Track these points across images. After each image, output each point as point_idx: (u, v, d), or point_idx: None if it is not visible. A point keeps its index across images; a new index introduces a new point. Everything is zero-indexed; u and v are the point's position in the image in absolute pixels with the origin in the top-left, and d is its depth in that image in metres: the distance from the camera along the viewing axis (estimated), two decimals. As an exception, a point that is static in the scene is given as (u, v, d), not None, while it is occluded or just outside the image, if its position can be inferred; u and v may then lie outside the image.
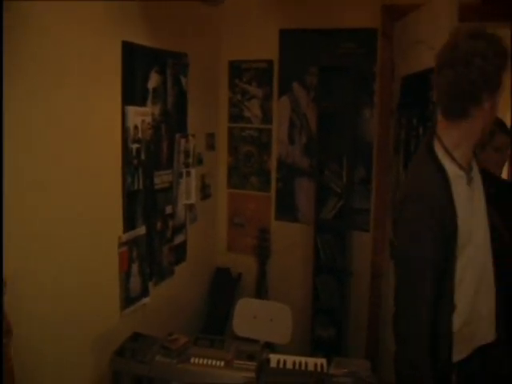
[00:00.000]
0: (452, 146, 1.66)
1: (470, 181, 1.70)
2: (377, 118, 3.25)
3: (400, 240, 1.71)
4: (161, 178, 2.81)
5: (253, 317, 2.91)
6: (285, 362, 2.28)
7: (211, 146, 3.51)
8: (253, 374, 2.10)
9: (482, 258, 1.77)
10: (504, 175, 2.64)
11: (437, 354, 1.70)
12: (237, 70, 3.57)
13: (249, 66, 3.54)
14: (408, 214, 1.67)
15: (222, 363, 2.14)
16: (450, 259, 1.65)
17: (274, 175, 3.53)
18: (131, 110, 2.46)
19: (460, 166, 1.67)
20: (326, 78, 3.24)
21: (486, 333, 1.80)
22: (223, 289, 3.50)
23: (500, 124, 2.23)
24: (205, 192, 3.44)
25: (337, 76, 3.24)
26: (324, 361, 2.25)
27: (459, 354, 1.75)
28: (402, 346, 1.68)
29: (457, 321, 1.70)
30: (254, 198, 3.59)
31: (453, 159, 1.66)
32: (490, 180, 1.99)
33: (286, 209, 3.50)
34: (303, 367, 2.25)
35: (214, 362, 2.15)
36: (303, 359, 2.29)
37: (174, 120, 2.93)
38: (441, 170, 1.66)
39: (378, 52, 3.22)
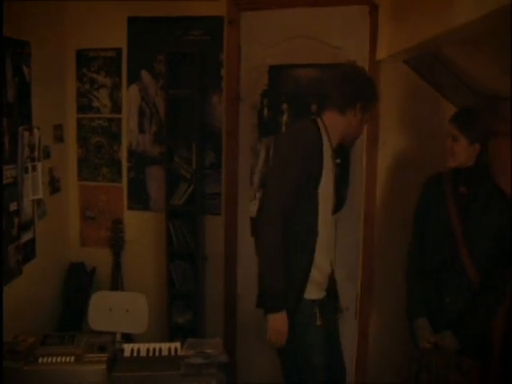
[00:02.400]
0: (331, 130, 2.32)
1: (333, 158, 2.33)
2: (225, 104, 3.31)
3: (273, 166, 2.33)
4: (3, 174, 2.64)
5: (108, 309, 2.84)
6: (139, 351, 2.26)
7: (59, 138, 3.38)
8: (104, 366, 2.06)
9: (330, 224, 2.38)
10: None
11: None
12: (84, 58, 3.46)
13: (97, 54, 3.44)
14: (284, 147, 2.33)
15: (72, 359, 2.07)
16: (312, 197, 2.25)
17: (125, 165, 3.47)
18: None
19: (330, 144, 2.32)
20: (174, 66, 3.25)
21: (324, 288, 2.38)
22: (78, 284, 3.39)
23: (454, 113, 2.48)
24: (54, 186, 3.30)
25: (185, 63, 3.26)
26: (178, 344, 2.26)
27: (314, 293, 2.31)
28: (261, 243, 2.30)
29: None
30: (105, 190, 3.51)
31: (327, 134, 2.31)
32: (466, 180, 2.39)
33: (139, 198, 3.47)
34: (157, 353, 2.24)
35: (63, 359, 2.07)
36: (157, 345, 2.28)
37: (16, 112, 2.77)
38: (318, 134, 2.29)
39: (224, 40, 3.27)
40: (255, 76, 3.31)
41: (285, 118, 3.32)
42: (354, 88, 2.31)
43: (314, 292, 2.32)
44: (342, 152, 2.53)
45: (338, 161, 2.44)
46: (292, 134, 2.51)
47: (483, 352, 2.41)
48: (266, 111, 3.34)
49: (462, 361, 2.37)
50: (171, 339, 3.14)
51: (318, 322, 2.31)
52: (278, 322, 2.22)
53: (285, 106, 3.31)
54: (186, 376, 2.06)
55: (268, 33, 3.26)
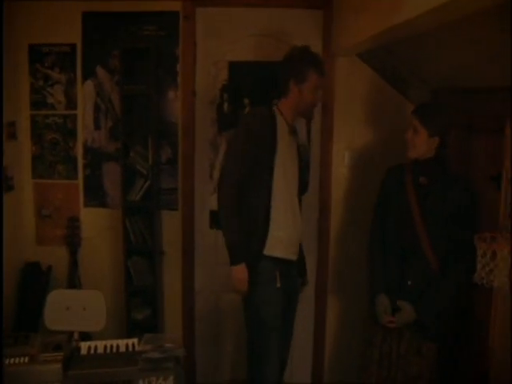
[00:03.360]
0: (283, 109, 2.68)
1: (291, 133, 2.70)
2: (181, 99, 3.31)
3: (228, 144, 2.86)
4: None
5: (65, 308, 2.81)
6: (96, 348, 2.24)
7: (12, 136, 3.30)
8: (59, 365, 2.04)
9: (290, 196, 2.69)
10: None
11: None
12: (37, 54, 3.37)
13: (51, 50, 3.36)
14: (237, 129, 2.71)
15: (27, 359, 2.05)
16: (268, 166, 2.58)
17: (80, 162, 3.41)
18: None
19: (286, 121, 2.67)
20: (130, 61, 3.21)
21: (290, 252, 2.69)
22: (33, 284, 3.32)
23: (414, 107, 2.58)
24: (7, 184, 3.22)
25: (140, 59, 3.22)
26: (136, 340, 2.26)
27: (277, 251, 2.62)
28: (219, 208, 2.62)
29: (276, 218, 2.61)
30: (61, 187, 3.44)
31: (281, 114, 2.67)
32: (425, 171, 2.50)
33: (95, 195, 3.43)
34: (115, 350, 2.23)
35: (17, 360, 2.04)
36: (115, 342, 2.28)
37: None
38: (272, 115, 2.65)
39: (180, 35, 3.26)
40: (214, 71, 3.34)
41: (246, 112, 3.36)
42: (289, 64, 2.64)
43: (276, 249, 2.64)
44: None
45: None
46: (245, 117, 2.91)
47: (440, 334, 2.53)
48: (226, 106, 3.37)
49: (421, 344, 2.49)
50: (130, 336, 3.13)
51: (278, 284, 2.62)
52: (239, 272, 2.57)
53: (246, 100, 3.35)
54: (144, 371, 2.06)
55: (225, 29, 3.30)
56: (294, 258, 2.75)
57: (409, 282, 2.50)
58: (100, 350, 2.22)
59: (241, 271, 2.57)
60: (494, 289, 2.10)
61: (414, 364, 2.51)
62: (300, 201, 2.80)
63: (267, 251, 2.61)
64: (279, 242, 2.64)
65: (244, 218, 2.61)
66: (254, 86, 3.31)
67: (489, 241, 2.02)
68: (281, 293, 2.65)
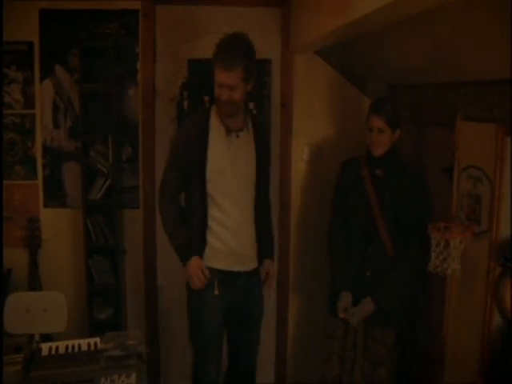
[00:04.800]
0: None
1: (228, 133, 2.53)
2: (141, 97, 3.29)
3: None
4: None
5: (25, 310, 2.76)
6: (57, 349, 2.22)
7: (-33, 136, 3.23)
8: (19, 367, 2.02)
9: (234, 203, 2.55)
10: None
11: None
12: (-7, 52, 3.31)
13: (7, 48, 3.28)
14: (175, 137, 2.78)
15: (-14, 362, 2.03)
16: (200, 173, 2.50)
17: (39, 162, 3.36)
18: None
19: (223, 121, 2.53)
20: (89, 60, 3.18)
21: (233, 263, 2.58)
22: (-8, 287, 3.26)
23: (372, 106, 2.61)
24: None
25: (99, 57, 3.20)
26: (98, 339, 2.24)
27: (215, 262, 2.56)
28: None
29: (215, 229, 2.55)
30: (20, 188, 3.37)
31: (217, 116, 2.55)
32: (381, 164, 2.59)
33: (55, 195, 3.38)
34: (76, 349, 2.22)
35: (-24, 363, 2.02)
36: (76, 342, 2.25)
37: None
38: (206, 118, 2.55)
39: (140, 33, 3.25)
40: (173, 69, 3.34)
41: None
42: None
43: (214, 260, 2.59)
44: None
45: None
46: (183, 122, 2.98)
47: (398, 320, 2.64)
48: (186, 103, 3.37)
49: (381, 332, 2.59)
50: (92, 335, 3.11)
51: (216, 292, 2.56)
52: (188, 269, 2.55)
53: (206, 97, 3.35)
54: (106, 369, 2.04)
55: (185, 27, 3.30)
56: (239, 268, 2.62)
57: (368, 273, 2.60)
58: (61, 351, 2.19)
59: (195, 263, 2.53)
60: (447, 276, 2.17)
61: (376, 352, 2.60)
62: (260, 205, 2.68)
63: (205, 262, 2.57)
64: (217, 252, 2.59)
65: (186, 225, 2.60)
66: (214, 84, 3.32)
67: (442, 230, 2.10)
68: (221, 301, 2.59)
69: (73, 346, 2.22)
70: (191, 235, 2.58)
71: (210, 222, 2.56)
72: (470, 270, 2.23)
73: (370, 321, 2.58)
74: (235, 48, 2.40)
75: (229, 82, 2.40)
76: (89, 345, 2.22)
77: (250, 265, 2.66)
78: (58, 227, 3.37)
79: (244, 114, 2.63)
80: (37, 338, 2.66)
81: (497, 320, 2.20)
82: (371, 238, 2.58)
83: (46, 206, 3.39)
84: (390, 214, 2.55)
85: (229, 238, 2.57)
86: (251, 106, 3.33)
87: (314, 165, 3.39)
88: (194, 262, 2.55)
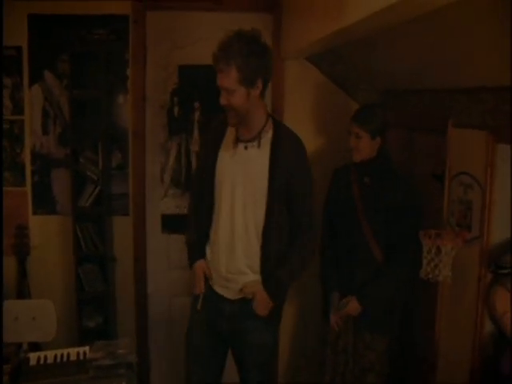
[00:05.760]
0: None
1: (235, 143, 2.27)
2: (131, 103, 3.28)
3: None
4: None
5: (14, 319, 2.73)
6: (46, 358, 2.19)
7: (-45, 142, 3.20)
8: (6, 377, 1.98)
9: (229, 222, 2.28)
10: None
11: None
12: (-18, 57, 3.28)
13: (-5, 53, 3.28)
14: None
15: (-28, 373, 1.99)
16: (210, 178, 2.31)
17: (28, 168, 3.33)
18: None
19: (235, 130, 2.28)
20: (79, 65, 3.16)
21: (220, 286, 2.34)
22: (-21, 295, 3.22)
23: (355, 112, 2.65)
24: (-50, 193, 3.13)
25: (89, 63, 3.19)
26: (87, 348, 2.22)
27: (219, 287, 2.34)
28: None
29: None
30: (8, 195, 3.32)
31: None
32: (369, 171, 2.61)
33: (44, 202, 3.35)
34: (65, 359, 2.19)
35: (-37, 373, 1.98)
36: (65, 351, 2.23)
37: None
38: (224, 124, 2.30)
39: (130, 39, 3.24)
40: (164, 75, 3.33)
41: (197, 115, 3.37)
42: None
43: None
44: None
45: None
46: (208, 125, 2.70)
47: (388, 327, 2.65)
48: (176, 110, 3.36)
49: (370, 338, 2.60)
50: (82, 344, 3.08)
51: (198, 307, 2.37)
52: (192, 271, 2.42)
53: (196, 104, 3.34)
54: (95, 379, 2.02)
55: (175, 34, 3.30)
56: (224, 293, 2.33)
57: (356, 278, 2.61)
58: (50, 360, 2.16)
59: (199, 266, 2.37)
60: (439, 283, 2.17)
61: (366, 357, 2.61)
62: (273, 233, 2.26)
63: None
64: (210, 266, 2.40)
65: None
66: (204, 90, 3.31)
67: (434, 237, 2.10)
68: (205, 317, 2.38)
69: (61, 356, 2.18)
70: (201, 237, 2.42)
71: (210, 232, 2.38)
72: (461, 277, 2.23)
73: (360, 325, 2.59)
74: (229, 46, 2.09)
75: (223, 84, 2.14)
76: (78, 354, 2.20)
77: (234, 292, 2.32)
78: (47, 234, 3.35)
79: (263, 125, 2.26)
80: (25, 346, 2.62)
81: (489, 326, 2.20)
82: (359, 245, 2.60)
83: (34, 212, 3.36)
84: (376, 220, 2.56)
85: (216, 256, 2.34)
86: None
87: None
88: (199, 264, 2.39)
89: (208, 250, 2.40)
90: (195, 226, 2.44)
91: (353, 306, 2.56)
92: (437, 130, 2.40)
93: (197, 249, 2.42)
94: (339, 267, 2.68)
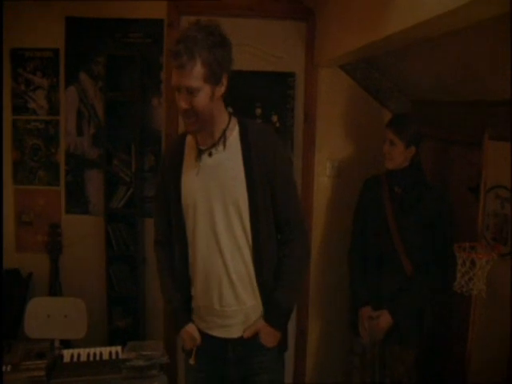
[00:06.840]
0: None
1: (198, 153, 1.95)
2: (165, 106, 3.31)
3: None
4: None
5: (46, 316, 2.80)
6: (79, 356, 2.23)
7: (-8, 141, 3.26)
8: (42, 373, 2.02)
9: (211, 247, 1.96)
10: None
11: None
12: (20, 58, 3.34)
13: (33, 54, 3.34)
14: None
15: (9, 367, 2.01)
16: (177, 208, 2.01)
17: (62, 168, 3.39)
18: None
19: (197, 141, 1.97)
20: (114, 68, 3.21)
21: (213, 327, 2.07)
22: (13, 291, 3.28)
23: (390, 119, 2.65)
24: (-13, 190, 3.20)
25: (124, 65, 3.24)
26: (119, 348, 2.25)
27: (198, 320, 2.11)
28: None
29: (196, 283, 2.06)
30: (42, 193, 3.41)
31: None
32: (401, 181, 2.58)
33: (77, 201, 3.41)
34: (98, 357, 2.23)
35: (0, 368, 2.03)
36: (98, 350, 2.27)
37: None
38: (182, 139, 2.05)
39: (164, 42, 3.28)
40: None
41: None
42: None
43: (195, 318, 2.12)
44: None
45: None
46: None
47: (418, 340, 2.62)
48: (209, 114, 3.37)
49: (400, 351, 2.58)
50: (112, 343, 3.12)
51: (191, 361, 2.13)
52: (181, 333, 2.16)
53: (230, 109, 3.34)
54: (128, 379, 2.04)
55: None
56: (226, 335, 2.04)
57: (385, 292, 2.59)
58: (83, 358, 2.20)
59: (189, 329, 2.11)
60: (472, 296, 2.16)
61: (394, 370, 2.59)
62: (261, 250, 1.97)
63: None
64: (194, 312, 2.12)
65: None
66: (238, 95, 3.33)
67: (468, 250, 2.09)
68: (200, 373, 2.16)
69: (94, 354, 2.23)
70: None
71: (192, 273, 2.06)
72: (495, 291, 2.22)
73: (388, 338, 2.57)
74: (192, 37, 1.76)
75: (185, 83, 1.77)
76: (110, 353, 2.23)
77: (238, 330, 2.04)
78: (80, 234, 3.40)
79: (226, 124, 1.96)
80: (57, 343, 2.66)
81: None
82: (389, 257, 2.57)
83: (67, 212, 3.42)
84: (407, 232, 2.53)
85: (208, 293, 2.01)
86: (275, 118, 3.33)
87: (336, 180, 3.38)
88: (186, 331, 2.12)
89: (193, 291, 2.09)
90: (172, 282, 2.15)
91: (385, 319, 2.54)
92: (472, 142, 2.39)
93: (180, 313, 2.12)
94: (367, 280, 2.66)
